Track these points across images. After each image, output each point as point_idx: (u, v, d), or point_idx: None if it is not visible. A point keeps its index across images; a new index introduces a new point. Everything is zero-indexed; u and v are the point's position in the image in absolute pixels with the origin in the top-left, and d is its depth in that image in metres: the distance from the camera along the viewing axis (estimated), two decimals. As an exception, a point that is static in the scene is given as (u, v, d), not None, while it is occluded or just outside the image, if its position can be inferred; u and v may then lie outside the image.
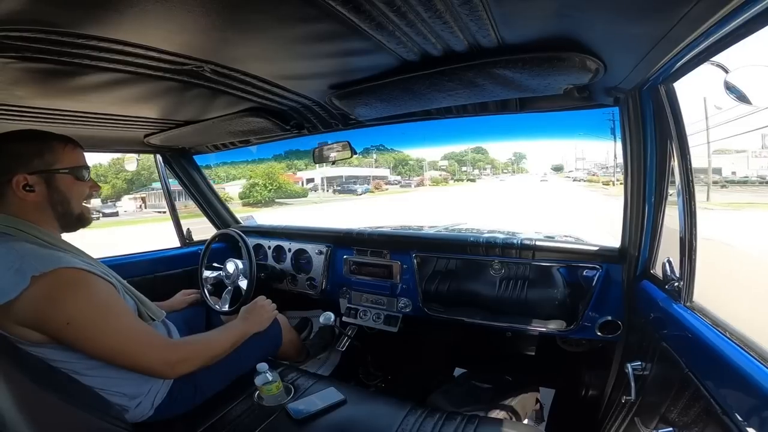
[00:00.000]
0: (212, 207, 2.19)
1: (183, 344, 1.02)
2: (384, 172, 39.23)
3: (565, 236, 1.56)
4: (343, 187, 30.55)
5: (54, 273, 0.79)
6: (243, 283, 1.67)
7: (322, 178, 31.17)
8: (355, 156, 1.61)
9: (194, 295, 1.61)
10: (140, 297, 1.03)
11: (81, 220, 0.98)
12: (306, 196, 27.23)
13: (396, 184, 36.45)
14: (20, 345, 0.80)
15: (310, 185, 30.70)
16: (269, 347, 1.35)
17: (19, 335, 0.79)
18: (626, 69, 0.85)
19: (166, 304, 1.49)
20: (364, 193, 29.46)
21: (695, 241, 0.84)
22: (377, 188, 31.72)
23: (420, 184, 38.12)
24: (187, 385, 1.05)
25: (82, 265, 0.85)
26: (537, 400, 1.45)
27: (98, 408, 0.85)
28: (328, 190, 30.47)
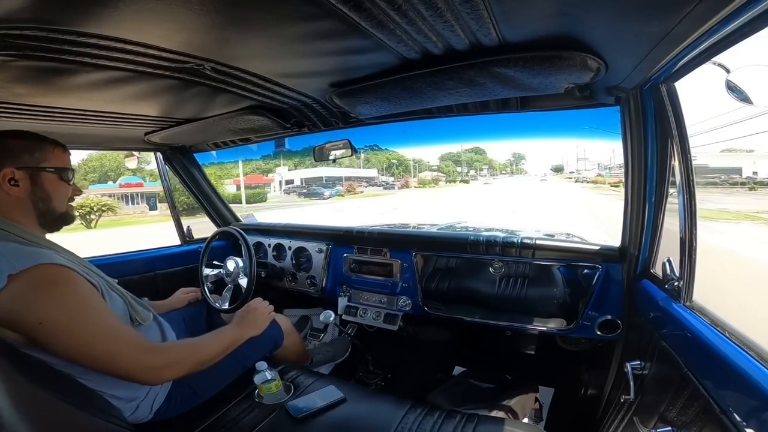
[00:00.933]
0: (213, 205, 2.19)
1: (168, 348, 1.00)
2: (372, 172, 37.50)
3: (566, 235, 1.56)
4: (310, 190, 27.87)
5: (31, 270, 0.77)
6: (243, 281, 1.67)
7: (301, 179, 29.89)
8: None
9: (193, 293, 1.60)
10: (129, 298, 1.00)
11: (64, 219, 0.99)
12: (263, 201, 24.41)
13: (381, 185, 34.70)
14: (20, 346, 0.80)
15: (288, 186, 29.24)
16: (268, 348, 1.34)
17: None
18: (627, 68, 0.85)
19: (165, 302, 1.49)
20: (333, 196, 26.58)
21: (695, 240, 0.84)
22: (350, 190, 29.34)
23: (404, 186, 36.27)
24: (185, 389, 1.05)
25: (63, 261, 0.83)
26: (536, 399, 1.45)
27: (99, 408, 0.84)
28: (291, 193, 28.24)
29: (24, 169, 0.90)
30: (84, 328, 0.82)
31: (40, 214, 0.93)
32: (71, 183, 0.99)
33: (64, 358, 0.82)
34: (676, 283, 0.88)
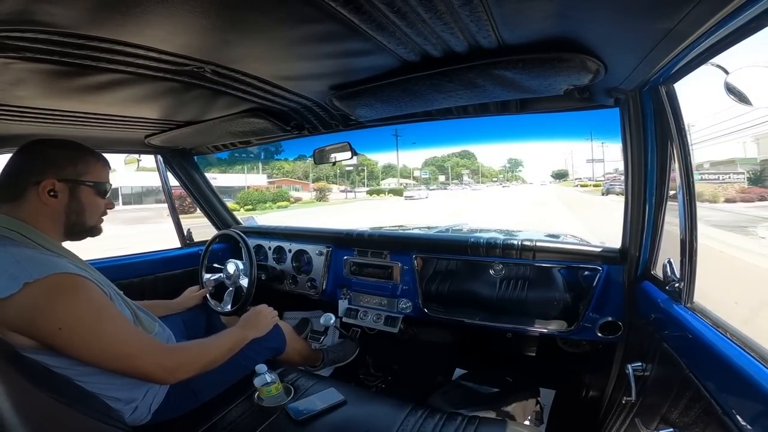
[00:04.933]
0: (213, 207, 2.19)
1: (180, 349, 1.02)
2: (260, 179, 31.30)
3: (567, 236, 1.56)
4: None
5: (48, 278, 0.78)
6: (244, 282, 1.67)
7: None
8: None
9: (203, 291, 1.61)
10: (135, 308, 1.01)
11: (91, 232, 1.00)
12: None
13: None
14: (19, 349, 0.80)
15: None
16: (269, 352, 1.34)
17: (10, 341, 0.77)
18: (627, 70, 0.85)
19: (175, 302, 1.49)
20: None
21: (695, 241, 0.84)
22: None
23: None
24: (184, 390, 1.05)
25: (78, 270, 0.84)
26: (537, 402, 1.45)
27: (97, 409, 0.84)
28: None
29: (65, 181, 0.91)
30: (103, 333, 0.84)
31: (70, 225, 0.94)
32: (106, 197, 1.01)
33: (83, 362, 0.83)
34: (676, 285, 0.88)
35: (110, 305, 0.89)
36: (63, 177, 0.90)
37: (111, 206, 1.04)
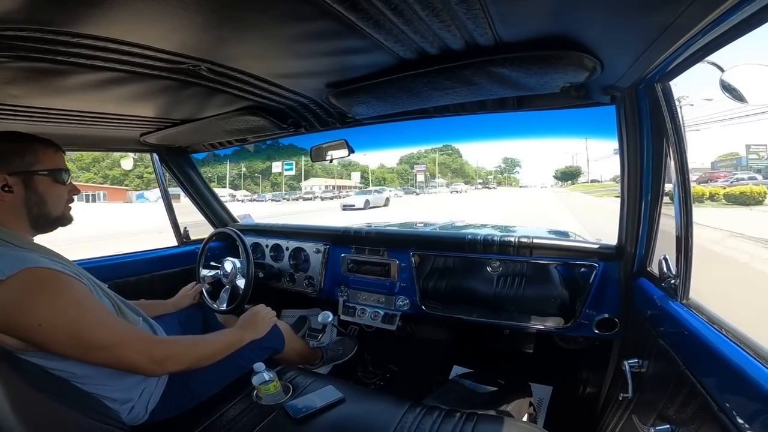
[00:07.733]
0: (210, 206, 2.18)
1: (169, 341, 1.01)
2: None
3: (564, 233, 1.57)
4: None
5: (20, 274, 0.76)
6: (241, 282, 1.67)
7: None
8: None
9: (197, 286, 1.58)
10: (118, 301, 1.00)
11: (59, 222, 0.97)
12: None
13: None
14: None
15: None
16: (267, 352, 1.33)
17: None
18: (623, 67, 0.85)
19: (171, 301, 1.48)
20: None
21: (691, 238, 0.84)
22: None
23: None
24: (181, 389, 1.05)
25: (51, 264, 0.82)
26: (530, 404, 1.46)
27: (95, 410, 0.84)
28: None
29: (16, 174, 0.87)
30: (86, 324, 0.82)
31: (34, 218, 0.91)
32: (67, 183, 0.97)
33: (67, 356, 0.82)
34: (672, 281, 0.88)
35: (90, 296, 0.87)
36: (13, 170, 0.87)
37: (76, 192, 1.00)
